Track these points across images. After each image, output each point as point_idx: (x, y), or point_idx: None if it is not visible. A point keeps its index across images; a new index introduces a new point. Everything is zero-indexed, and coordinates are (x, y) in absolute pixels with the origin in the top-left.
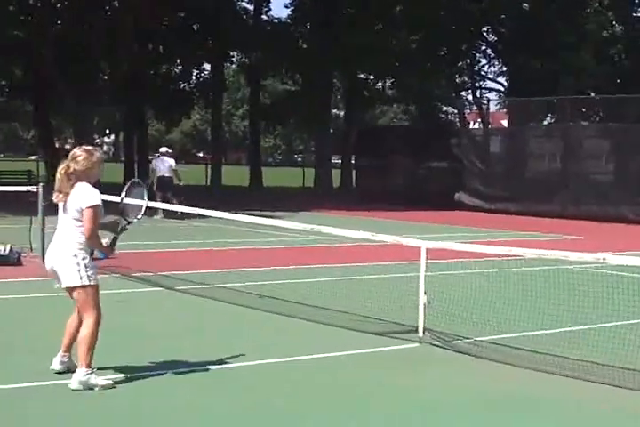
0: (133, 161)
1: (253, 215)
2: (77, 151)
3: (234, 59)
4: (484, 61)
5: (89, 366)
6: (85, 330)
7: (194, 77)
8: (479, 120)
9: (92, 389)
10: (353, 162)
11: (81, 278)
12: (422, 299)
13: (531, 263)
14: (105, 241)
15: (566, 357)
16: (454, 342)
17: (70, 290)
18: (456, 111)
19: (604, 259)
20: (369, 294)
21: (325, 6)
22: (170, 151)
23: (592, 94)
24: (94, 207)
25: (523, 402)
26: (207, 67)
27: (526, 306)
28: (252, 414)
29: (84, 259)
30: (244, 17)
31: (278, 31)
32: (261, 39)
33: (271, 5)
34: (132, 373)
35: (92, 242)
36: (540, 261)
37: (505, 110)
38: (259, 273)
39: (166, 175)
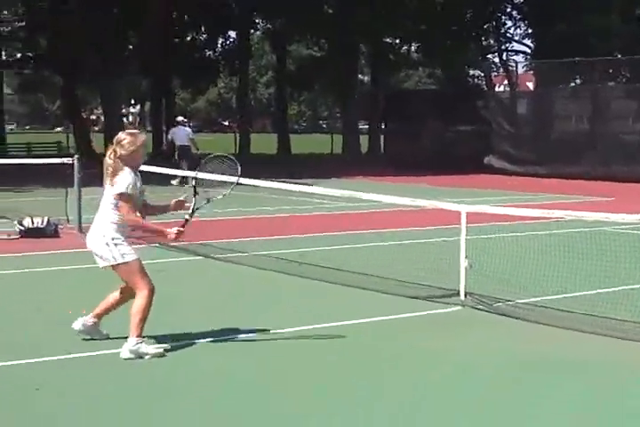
0: (162, 130)
1: (285, 183)
2: (122, 135)
3: (259, 26)
4: (509, 24)
5: (140, 335)
6: (139, 301)
7: (219, 45)
8: (506, 83)
9: (142, 357)
10: (381, 127)
11: (114, 258)
12: (463, 263)
13: (570, 225)
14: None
15: (608, 317)
16: (496, 304)
17: (110, 269)
18: (483, 74)
19: None
20: (408, 259)
21: None
22: (186, 120)
23: (618, 55)
24: (121, 195)
25: (558, 364)
26: (232, 34)
27: (567, 268)
28: (286, 380)
29: (112, 239)
30: None
31: None
32: (286, 5)
33: None
34: (177, 341)
35: (135, 228)
36: (577, 222)
37: (532, 72)
38: (296, 240)
39: (185, 144)
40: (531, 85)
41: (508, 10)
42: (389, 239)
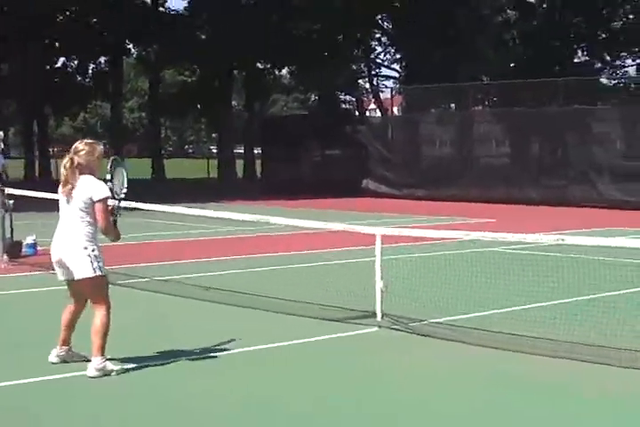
0: (33, 156)
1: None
2: (80, 145)
3: (131, 51)
4: (379, 49)
5: (103, 353)
6: (99, 320)
7: (90, 71)
8: (374, 107)
9: (108, 375)
10: (256, 152)
11: (94, 270)
12: (379, 284)
13: (463, 246)
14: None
15: (517, 334)
16: (412, 324)
17: (79, 282)
18: (354, 99)
19: (562, 240)
20: (320, 281)
21: None
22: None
23: (486, 80)
24: (105, 199)
25: (478, 379)
26: (102, 60)
27: (477, 287)
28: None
29: (93, 251)
30: (142, 9)
31: (176, 23)
32: (160, 31)
33: None
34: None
35: (108, 232)
36: (475, 243)
37: (400, 97)
38: (199, 265)
39: None
40: (398, 110)
41: (378, 35)
42: (297, 262)
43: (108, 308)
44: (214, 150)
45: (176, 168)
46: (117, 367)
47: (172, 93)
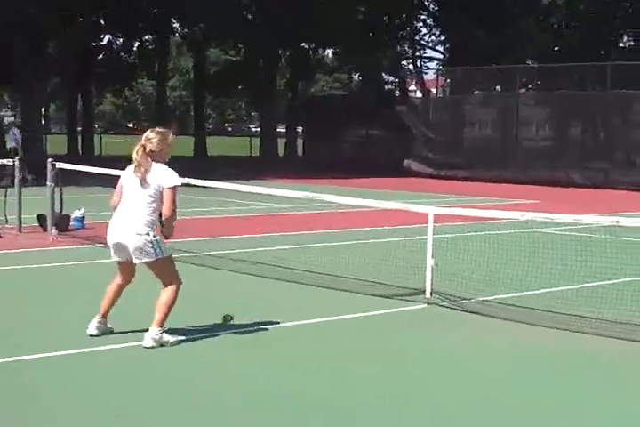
0: (76, 132)
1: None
2: (151, 134)
3: (175, 30)
4: (424, 31)
5: (162, 325)
6: (167, 295)
7: (135, 48)
8: (420, 89)
9: (163, 345)
10: (297, 131)
11: (156, 254)
12: (430, 262)
13: (521, 225)
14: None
15: (565, 313)
16: (461, 302)
17: (148, 264)
18: (397, 80)
19: (617, 221)
20: (371, 258)
21: None
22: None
23: (531, 63)
24: (175, 187)
25: (530, 356)
26: (148, 38)
27: (526, 266)
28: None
29: (155, 236)
30: None
31: (222, 1)
32: (208, 10)
33: None
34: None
35: (171, 220)
36: (529, 223)
37: (448, 80)
38: (252, 240)
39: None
40: (448, 91)
41: (423, 17)
42: (348, 239)
43: (179, 285)
44: (253, 129)
45: (217, 145)
46: (173, 339)
47: (217, 72)
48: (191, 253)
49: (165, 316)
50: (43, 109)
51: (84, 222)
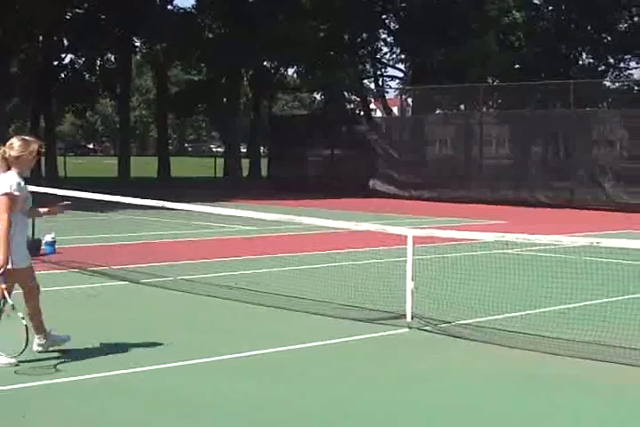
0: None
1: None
2: (14, 140)
3: (137, 49)
4: (385, 49)
5: None
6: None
7: (97, 67)
8: (382, 108)
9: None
10: (259, 151)
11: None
12: (410, 285)
13: (494, 247)
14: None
15: (543, 335)
16: (441, 325)
17: None
18: (358, 99)
19: (597, 242)
20: (349, 281)
21: None
22: None
23: (492, 81)
24: (8, 195)
25: (513, 379)
26: (109, 57)
27: (505, 288)
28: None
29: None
30: (151, 6)
31: (184, 21)
32: (169, 29)
33: None
34: (123, 366)
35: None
36: (495, 245)
37: (405, 97)
38: (225, 264)
39: None
40: (409, 110)
41: (384, 36)
42: (324, 262)
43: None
44: (214, 149)
45: (179, 166)
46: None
47: (179, 92)
48: (164, 278)
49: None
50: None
51: (55, 247)
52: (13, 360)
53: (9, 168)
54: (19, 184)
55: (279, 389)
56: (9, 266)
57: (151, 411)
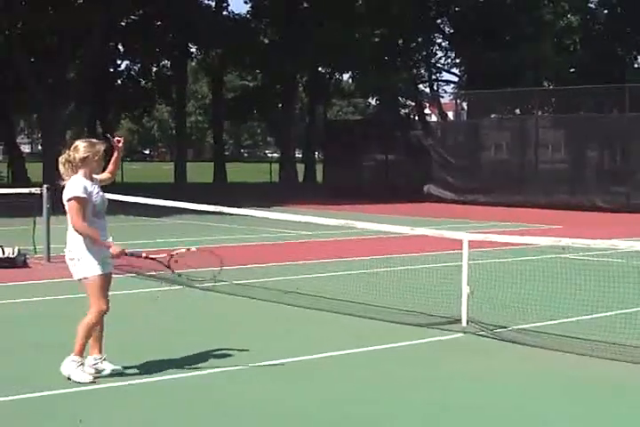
0: None
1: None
2: (79, 142)
3: (192, 55)
4: (440, 54)
5: (79, 354)
6: (86, 319)
7: (153, 74)
8: (437, 112)
9: (69, 378)
10: (314, 156)
11: (84, 271)
12: (465, 289)
13: (550, 251)
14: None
15: (607, 341)
16: (497, 330)
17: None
18: (413, 104)
19: None
20: (404, 286)
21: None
22: None
23: (547, 85)
24: (75, 199)
25: (572, 386)
26: (165, 63)
27: (562, 293)
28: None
29: (78, 252)
30: (206, 13)
31: (239, 27)
32: (224, 35)
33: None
34: (190, 369)
35: (81, 235)
36: (551, 250)
37: (460, 102)
38: (281, 269)
39: None
40: (464, 114)
41: (438, 40)
42: (380, 266)
43: (100, 309)
44: (269, 154)
45: (235, 171)
46: (80, 376)
47: (234, 97)
48: (221, 282)
49: (82, 341)
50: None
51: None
52: (118, 367)
53: (76, 172)
54: (85, 187)
55: (335, 390)
56: (86, 275)
57: (204, 415)
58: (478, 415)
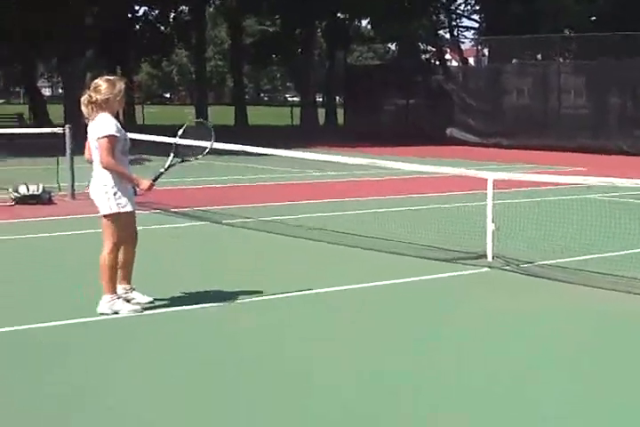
0: None
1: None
2: (99, 81)
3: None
4: (460, 0)
5: (112, 292)
6: (103, 257)
7: (171, 20)
8: (457, 58)
9: (117, 313)
10: (335, 100)
11: (110, 208)
12: (490, 225)
13: (576, 192)
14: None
15: (631, 277)
16: (522, 265)
17: (102, 217)
18: (434, 50)
19: None
20: (430, 223)
21: None
22: None
23: (568, 32)
24: (108, 137)
25: (603, 318)
26: (183, 8)
27: (588, 231)
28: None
29: (112, 187)
30: None
31: None
32: None
33: None
34: (219, 301)
35: (111, 173)
36: (577, 191)
37: (480, 48)
38: (308, 207)
39: None
40: (485, 60)
41: None
42: (406, 205)
43: (115, 248)
44: (290, 98)
45: (255, 115)
46: (130, 308)
47: (254, 42)
48: (245, 219)
49: (108, 281)
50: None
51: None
52: (150, 298)
53: (99, 111)
54: (117, 126)
55: (359, 320)
56: (115, 210)
57: (235, 342)
58: (503, 348)
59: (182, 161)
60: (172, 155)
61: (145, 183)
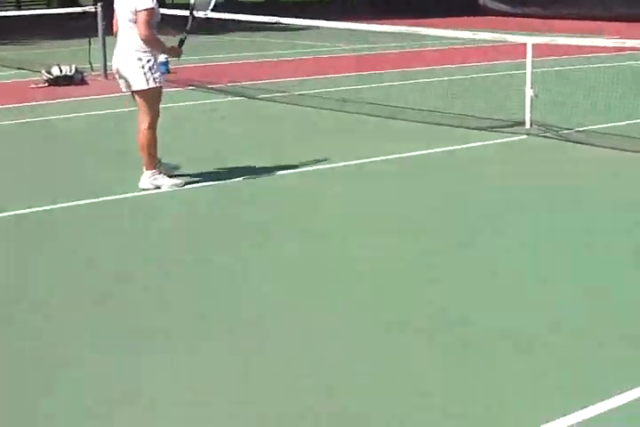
0: None
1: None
2: None
3: None
4: None
5: (153, 168)
6: (142, 136)
7: None
8: None
9: (159, 188)
10: None
11: (147, 82)
12: (529, 92)
13: (616, 60)
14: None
15: None
16: (561, 131)
17: (136, 93)
18: None
19: None
20: (469, 93)
21: None
22: None
23: None
24: (148, 10)
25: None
26: None
27: (627, 97)
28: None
29: (148, 61)
30: None
31: None
32: None
33: None
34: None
35: (150, 46)
36: (616, 58)
37: None
38: (342, 79)
39: None
40: None
41: None
42: (444, 75)
43: (153, 121)
44: None
45: None
46: (172, 182)
47: None
48: (280, 93)
49: (150, 157)
50: None
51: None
52: (179, 181)
53: None
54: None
55: (400, 186)
56: (152, 85)
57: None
58: (549, 214)
59: (194, 19)
60: (190, 17)
61: (179, 50)
